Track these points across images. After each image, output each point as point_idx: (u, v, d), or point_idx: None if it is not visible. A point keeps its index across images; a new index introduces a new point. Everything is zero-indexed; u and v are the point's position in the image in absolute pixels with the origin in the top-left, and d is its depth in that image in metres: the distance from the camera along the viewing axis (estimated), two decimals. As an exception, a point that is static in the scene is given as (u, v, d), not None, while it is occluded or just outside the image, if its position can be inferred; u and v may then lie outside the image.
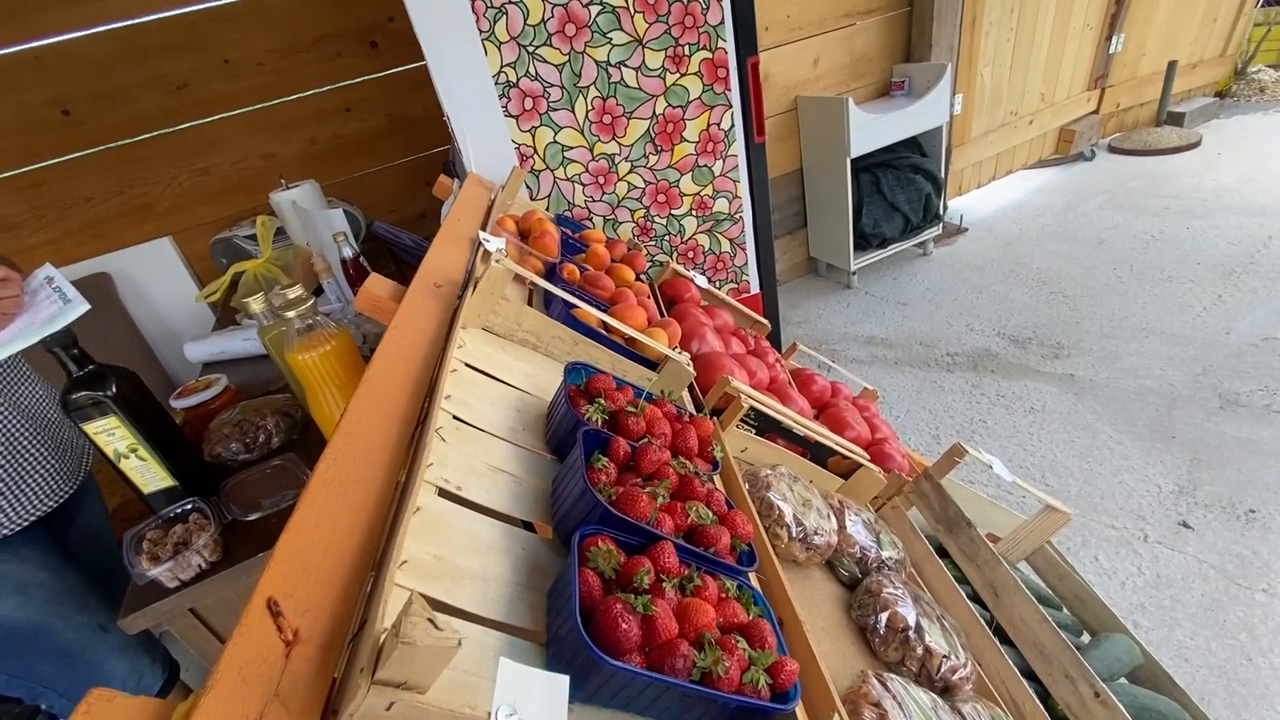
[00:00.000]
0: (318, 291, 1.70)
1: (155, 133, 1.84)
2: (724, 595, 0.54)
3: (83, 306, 0.94)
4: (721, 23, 1.35)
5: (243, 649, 0.34)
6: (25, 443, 1.04)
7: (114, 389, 0.86)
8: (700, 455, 0.73)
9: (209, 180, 1.94)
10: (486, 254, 0.91)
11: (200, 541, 0.84)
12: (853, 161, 2.61)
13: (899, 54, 2.90)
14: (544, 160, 1.38)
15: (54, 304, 0.96)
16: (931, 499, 1.01)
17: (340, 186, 2.08)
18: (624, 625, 0.44)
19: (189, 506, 0.92)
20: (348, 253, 1.48)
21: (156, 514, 0.92)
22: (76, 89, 1.72)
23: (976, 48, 2.95)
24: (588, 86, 1.33)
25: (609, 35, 1.30)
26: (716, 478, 0.74)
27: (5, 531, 1.01)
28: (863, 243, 2.91)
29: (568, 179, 1.42)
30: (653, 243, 1.56)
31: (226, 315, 1.72)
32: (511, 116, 1.31)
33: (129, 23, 1.72)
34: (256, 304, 1.07)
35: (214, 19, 1.80)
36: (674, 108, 1.41)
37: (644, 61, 1.34)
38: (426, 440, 0.53)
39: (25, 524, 1.03)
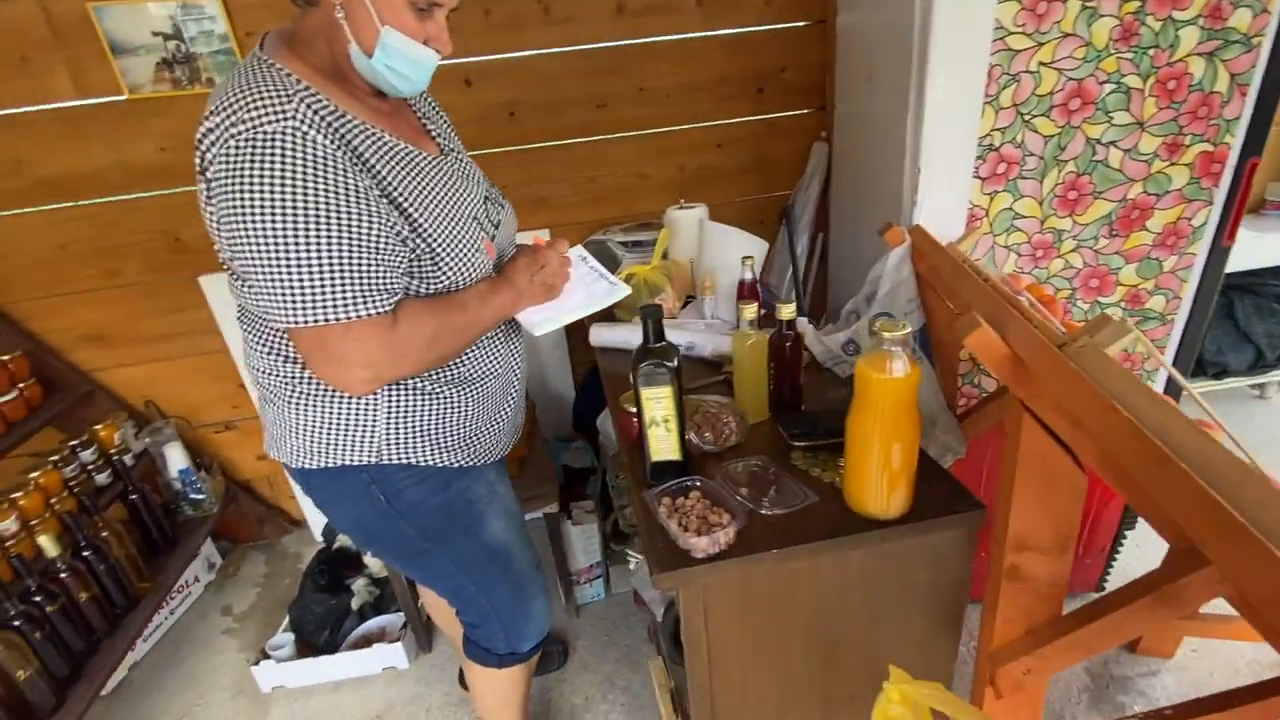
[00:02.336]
0: (686, 304, 1.81)
1: (569, 141, 2.10)
2: None
3: (626, 290, 1.08)
4: (1236, 119, 1.25)
5: None
6: (525, 377, 1.20)
7: (675, 362, 0.94)
8: None
9: (593, 188, 2.18)
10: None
11: (735, 525, 0.88)
12: (1214, 279, 2.31)
13: (1276, 171, 2.56)
14: (990, 224, 1.36)
15: (600, 282, 1.10)
16: None
17: (695, 212, 2.23)
18: None
19: (696, 484, 0.98)
20: (748, 275, 1.55)
21: (664, 483, 0.98)
22: (525, 96, 2.02)
23: (1393, 178, 2.52)
24: (1067, 161, 1.30)
25: (1111, 115, 1.26)
26: None
27: (500, 454, 1.15)
28: (1195, 368, 2.56)
29: (1005, 246, 1.38)
30: (1063, 327, 1.46)
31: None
32: (979, 178, 1.31)
33: (580, 48, 1.99)
34: (749, 312, 1.14)
35: (643, 52, 2.03)
36: (1148, 195, 1.33)
37: (1136, 145, 1.28)
38: None
39: (509, 449, 1.18)
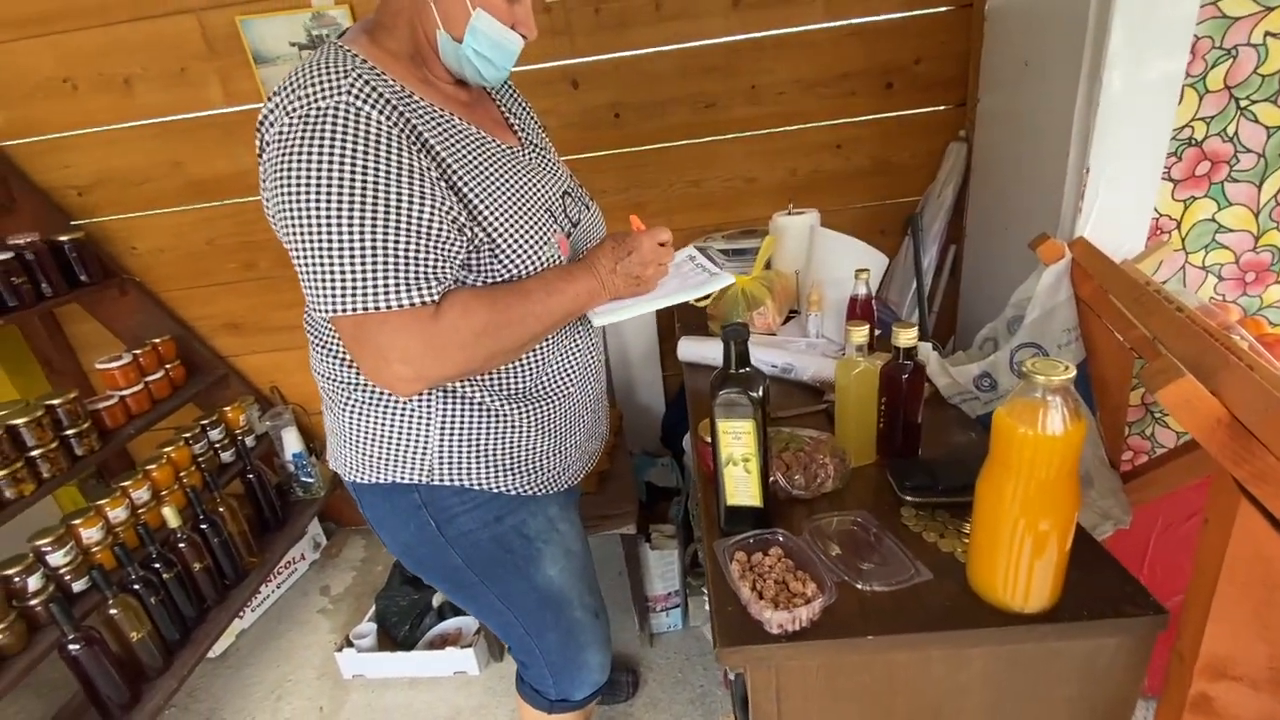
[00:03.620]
0: (787, 319, 1.65)
1: (671, 144, 2.00)
2: None
3: (728, 279, 0.94)
4: None
5: None
6: (602, 400, 1.10)
7: (760, 392, 0.80)
8: None
9: (696, 193, 2.06)
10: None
11: (821, 600, 0.72)
12: None
13: None
14: (1182, 238, 1.08)
15: (700, 274, 0.97)
16: None
17: (806, 219, 2.05)
18: None
19: (778, 538, 0.83)
20: (862, 291, 1.36)
21: (740, 533, 0.84)
22: (630, 97, 1.95)
23: None
24: (1300, 159, 1.00)
25: (1375, 96, 0.95)
26: None
27: (566, 484, 1.05)
28: None
29: (1201, 266, 1.10)
30: None
31: (697, 319, 1.75)
32: (1171, 180, 1.04)
33: (689, 45, 1.88)
34: (859, 335, 0.97)
35: (757, 47, 1.88)
36: None
37: None
38: None
39: (576, 481, 1.08)
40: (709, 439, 0.93)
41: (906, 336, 0.93)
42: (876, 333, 1.37)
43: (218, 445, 2.09)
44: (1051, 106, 1.17)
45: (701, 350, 1.48)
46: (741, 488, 0.85)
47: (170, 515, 1.72)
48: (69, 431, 1.69)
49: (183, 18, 1.85)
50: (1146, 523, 1.27)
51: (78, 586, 1.55)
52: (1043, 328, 1.10)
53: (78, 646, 1.41)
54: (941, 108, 1.94)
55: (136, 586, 1.58)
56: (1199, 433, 0.62)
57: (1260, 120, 0.99)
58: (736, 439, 0.82)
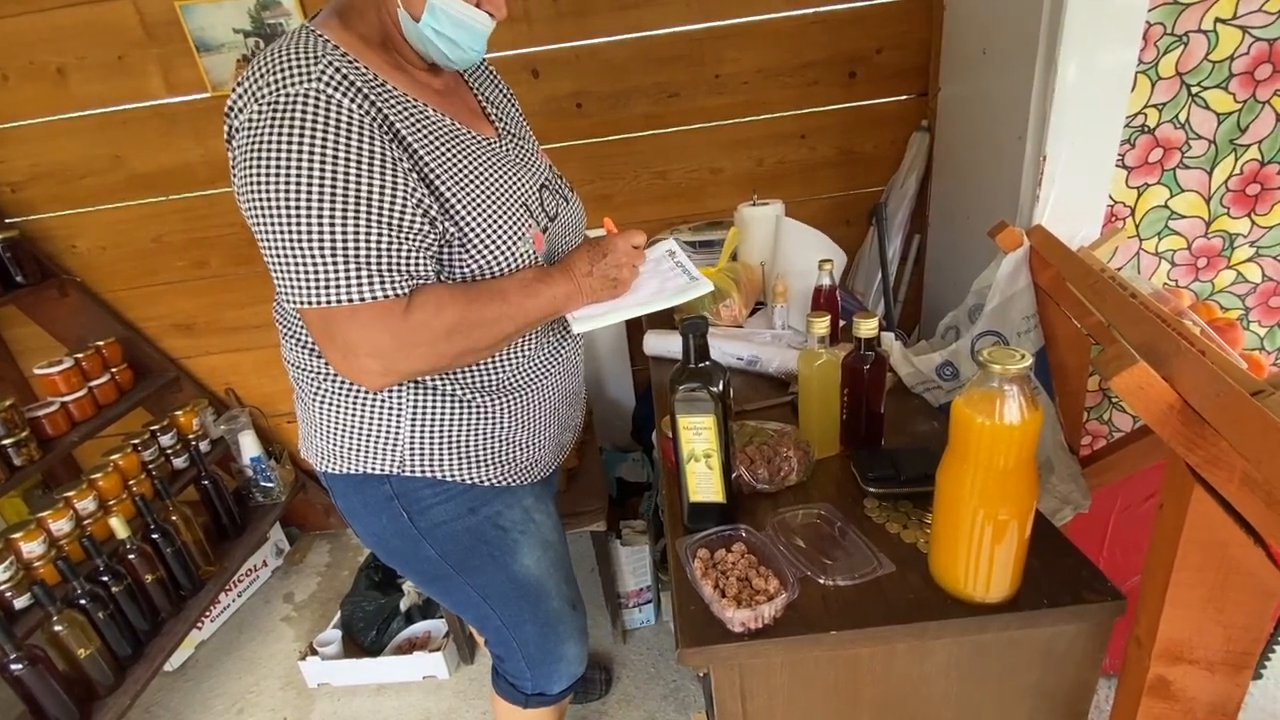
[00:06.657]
0: (753, 311, 1.64)
1: (637, 134, 1.97)
2: None
3: (707, 286, 0.92)
4: None
5: None
6: (578, 391, 1.08)
7: (720, 386, 0.78)
8: None
9: (661, 184, 2.03)
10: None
11: (784, 596, 0.71)
12: None
13: None
14: (1136, 225, 1.09)
15: (680, 277, 0.95)
16: None
17: (772, 210, 2.04)
18: None
19: (741, 534, 0.81)
20: (826, 282, 1.35)
21: (703, 530, 0.83)
22: (593, 87, 1.91)
23: None
24: (1248, 145, 1.02)
25: (1318, 83, 0.97)
26: None
27: (540, 475, 1.03)
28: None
29: (1155, 253, 1.11)
30: (1230, 356, 1.16)
31: (664, 313, 1.73)
32: (1124, 167, 1.05)
33: (651, 33, 1.85)
34: (820, 326, 0.96)
35: (720, 36, 1.86)
36: (1368, 189, 1.03)
37: (1354, 123, 0.99)
38: None
39: (550, 471, 1.06)
40: (671, 435, 0.91)
41: (867, 327, 0.92)
42: (841, 323, 1.37)
43: (169, 451, 2.01)
44: (1009, 95, 1.17)
45: (667, 344, 1.46)
46: (704, 484, 0.84)
47: (118, 525, 1.64)
48: (6, 441, 1.61)
49: (119, 3, 1.76)
50: (1105, 504, 1.29)
51: (19, 603, 1.48)
52: (1003, 315, 1.10)
53: (20, 666, 1.34)
54: (904, 97, 1.94)
55: (83, 601, 1.51)
56: (1152, 419, 0.62)
57: (1211, 107, 1.00)
58: (698, 434, 0.80)
